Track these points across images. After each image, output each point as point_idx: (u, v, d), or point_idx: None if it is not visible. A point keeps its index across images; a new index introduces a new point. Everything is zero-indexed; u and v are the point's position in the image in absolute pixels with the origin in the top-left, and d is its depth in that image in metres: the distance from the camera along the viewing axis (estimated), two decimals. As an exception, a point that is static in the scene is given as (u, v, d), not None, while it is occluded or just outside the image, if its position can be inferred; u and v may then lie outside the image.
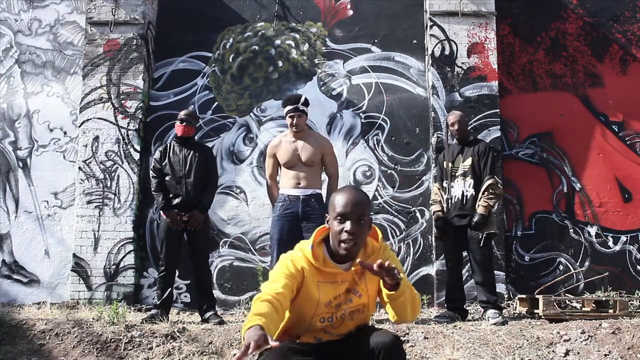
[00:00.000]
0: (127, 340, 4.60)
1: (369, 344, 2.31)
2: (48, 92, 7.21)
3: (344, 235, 2.34)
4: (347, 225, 2.34)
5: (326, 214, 2.46)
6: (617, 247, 6.76)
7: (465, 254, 5.47)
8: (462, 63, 6.79)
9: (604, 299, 5.67)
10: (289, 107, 5.14)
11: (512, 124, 6.95)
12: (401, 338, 2.46)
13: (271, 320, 2.20)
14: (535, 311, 5.38)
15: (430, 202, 6.04)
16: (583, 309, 5.70)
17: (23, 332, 4.82)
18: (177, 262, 5.48)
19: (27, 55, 7.31)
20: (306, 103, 5.20)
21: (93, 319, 5.10)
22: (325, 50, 7.16)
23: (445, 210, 5.41)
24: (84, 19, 7.19)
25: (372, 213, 2.52)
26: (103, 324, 4.86)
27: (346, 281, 2.43)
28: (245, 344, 2.03)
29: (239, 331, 4.67)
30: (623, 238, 6.77)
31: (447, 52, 6.82)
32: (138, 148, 6.82)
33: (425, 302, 6.33)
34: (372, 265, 2.26)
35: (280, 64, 7.14)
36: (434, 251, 6.54)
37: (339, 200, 2.38)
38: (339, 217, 2.36)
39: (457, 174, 5.40)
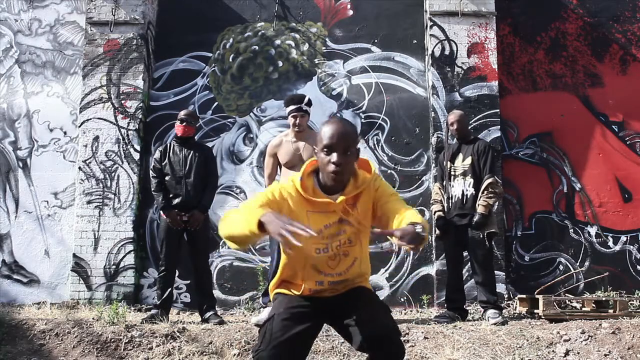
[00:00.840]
0: (127, 340, 4.60)
1: (369, 323, 2.32)
2: (48, 92, 7.21)
3: (331, 167, 2.37)
4: (334, 156, 2.37)
5: (314, 146, 2.49)
6: (617, 247, 6.76)
7: (465, 253, 5.47)
8: (462, 63, 6.79)
9: (604, 299, 5.67)
10: (292, 107, 5.12)
11: (512, 124, 6.95)
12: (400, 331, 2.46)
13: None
14: (535, 311, 5.38)
15: (431, 201, 6.04)
16: (583, 309, 5.70)
17: (23, 332, 4.82)
18: (177, 262, 5.48)
19: (27, 55, 7.31)
20: (309, 103, 5.18)
21: (93, 319, 5.10)
22: (325, 50, 7.16)
23: (445, 210, 5.41)
24: (84, 19, 7.19)
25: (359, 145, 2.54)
26: (103, 324, 4.86)
27: (337, 211, 2.46)
28: (282, 228, 2.09)
29: (239, 331, 4.67)
30: (623, 238, 6.77)
31: (447, 52, 6.82)
32: (138, 148, 6.82)
33: (425, 302, 6.34)
34: (392, 232, 2.25)
35: (280, 64, 7.14)
36: (434, 251, 6.54)
37: (326, 132, 2.40)
38: (325, 149, 2.39)
39: (457, 174, 5.40)
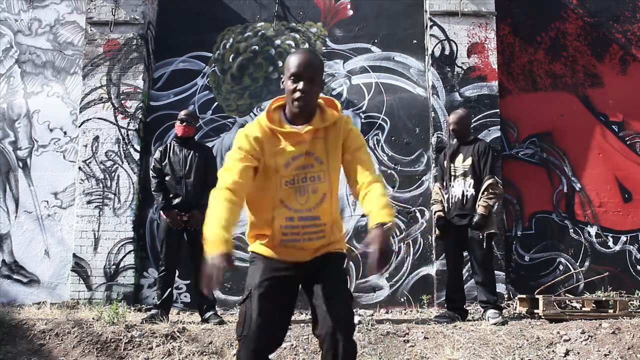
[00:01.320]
0: (127, 340, 4.60)
1: (323, 315, 2.38)
2: (48, 92, 7.21)
3: (297, 94, 2.47)
4: (300, 84, 2.46)
5: (282, 75, 2.58)
6: (617, 247, 6.75)
7: (465, 253, 5.47)
8: (462, 63, 6.79)
9: (604, 299, 5.67)
10: None
11: (512, 124, 6.95)
12: (356, 319, 2.55)
13: (232, 223, 2.36)
14: (535, 311, 5.38)
15: (431, 202, 6.04)
16: (583, 309, 5.71)
17: (23, 332, 4.82)
18: (177, 262, 5.49)
19: (27, 55, 7.31)
20: None
21: (93, 319, 5.10)
22: (325, 50, 7.16)
23: (445, 210, 5.41)
24: (84, 19, 7.19)
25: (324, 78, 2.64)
26: (103, 324, 4.86)
27: (304, 142, 2.51)
28: (208, 274, 2.21)
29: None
30: (623, 238, 6.77)
31: (447, 52, 6.82)
32: (138, 148, 6.82)
33: (425, 302, 6.34)
34: (369, 251, 2.31)
35: (280, 64, 7.14)
36: (434, 251, 6.54)
37: (294, 61, 2.49)
38: (292, 77, 2.48)
39: (457, 174, 5.40)
